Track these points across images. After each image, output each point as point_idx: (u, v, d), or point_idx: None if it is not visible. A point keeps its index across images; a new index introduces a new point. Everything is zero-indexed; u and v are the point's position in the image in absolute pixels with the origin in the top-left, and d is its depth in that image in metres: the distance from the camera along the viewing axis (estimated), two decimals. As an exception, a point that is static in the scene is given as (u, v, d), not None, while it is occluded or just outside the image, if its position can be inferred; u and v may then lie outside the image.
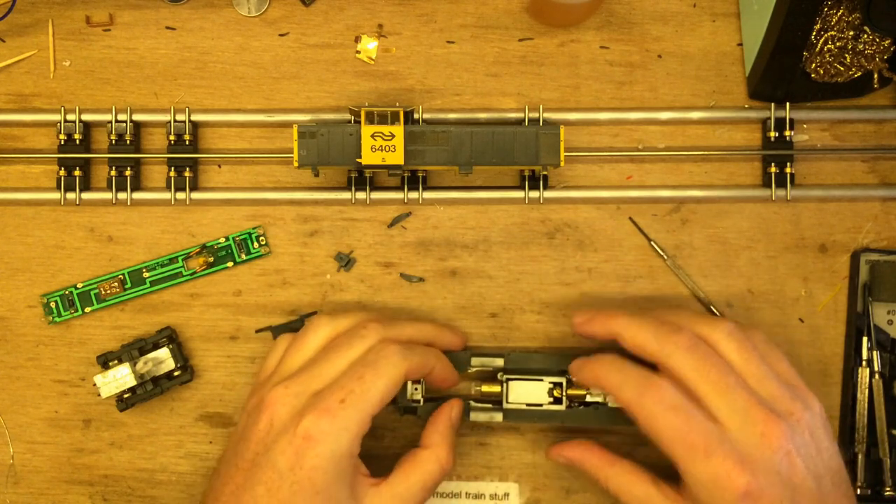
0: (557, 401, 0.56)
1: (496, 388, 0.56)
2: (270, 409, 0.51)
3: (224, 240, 0.60)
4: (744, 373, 0.51)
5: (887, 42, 0.56)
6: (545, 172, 0.59)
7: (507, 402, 0.56)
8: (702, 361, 0.51)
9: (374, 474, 0.52)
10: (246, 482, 0.50)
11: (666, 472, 0.52)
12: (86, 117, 0.59)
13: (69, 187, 0.59)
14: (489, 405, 0.57)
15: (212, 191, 0.60)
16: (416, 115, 0.59)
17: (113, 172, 0.59)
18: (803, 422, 0.50)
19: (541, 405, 0.56)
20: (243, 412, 0.53)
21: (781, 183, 0.59)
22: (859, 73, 0.57)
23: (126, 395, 0.57)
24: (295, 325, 0.57)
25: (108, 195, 0.59)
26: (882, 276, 0.58)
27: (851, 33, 0.56)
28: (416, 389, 0.56)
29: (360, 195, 0.59)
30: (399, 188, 0.59)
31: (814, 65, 0.57)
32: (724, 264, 0.60)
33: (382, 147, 0.55)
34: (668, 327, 0.52)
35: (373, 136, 0.55)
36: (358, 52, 0.61)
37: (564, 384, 0.56)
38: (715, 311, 0.59)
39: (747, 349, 0.52)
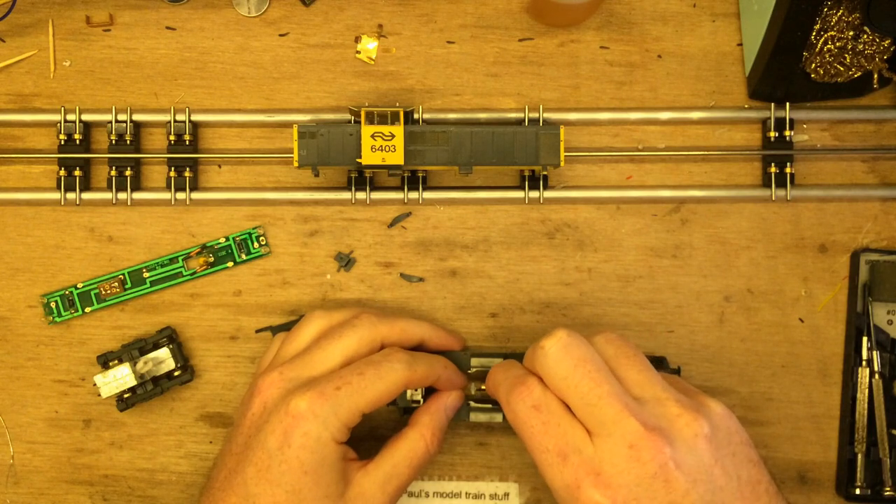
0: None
1: (496, 389, 0.56)
2: (263, 393, 0.51)
3: (224, 240, 0.60)
4: (624, 379, 0.48)
5: (887, 42, 0.56)
6: (545, 172, 0.59)
7: (507, 403, 0.56)
8: (572, 369, 0.47)
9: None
10: (237, 465, 0.50)
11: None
12: (86, 117, 0.59)
13: (69, 187, 0.59)
14: (489, 405, 0.57)
15: (212, 191, 0.60)
16: (416, 115, 0.59)
17: (113, 172, 0.59)
18: (693, 428, 0.46)
19: (541, 405, 0.56)
20: (240, 405, 0.54)
21: (781, 183, 0.59)
22: (859, 73, 0.57)
23: (126, 395, 0.57)
24: (294, 326, 0.57)
25: (108, 195, 0.59)
26: (882, 276, 0.58)
27: (851, 33, 0.56)
28: (416, 390, 0.56)
29: (360, 195, 0.59)
30: (399, 188, 0.59)
31: (814, 65, 0.57)
32: (724, 264, 0.60)
33: (382, 147, 0.55)
34: (544, 336, 0.49)
35: (373, 136, 0.55)
36: (358, 52, 0.61)
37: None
38: None
39: (629, 355, 0.49)
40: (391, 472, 0.52)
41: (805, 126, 0.60)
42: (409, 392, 0.56)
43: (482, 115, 0.59)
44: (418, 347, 0.56)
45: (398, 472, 0.52)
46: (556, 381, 0.48)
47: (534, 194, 0.59)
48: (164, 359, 0.58)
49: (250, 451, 0.50)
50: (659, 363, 0.57)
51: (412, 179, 0.59)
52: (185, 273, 0.59)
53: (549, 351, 0.48)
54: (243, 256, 0.60)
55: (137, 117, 0.59)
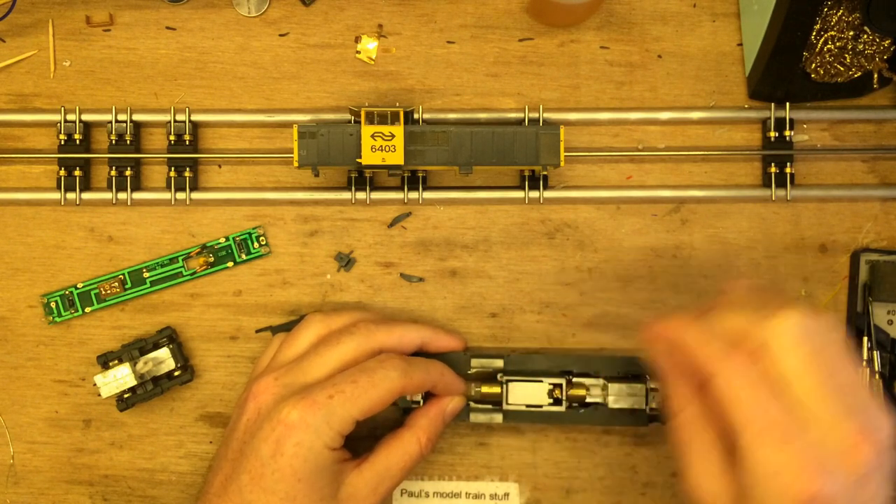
0: (557, 402, 0.56)
1: (496, 389, 0.56)
2: (258, 398, 0.51)
3: (224, 240, 0.60)
4: (843, 378, 0.45)
5: (887, 42, 0.56)
6: (545, 172, 0.59)
7: (507, 403, 0.56)
8: (812, 355, 0.45)
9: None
10: (233, 472, 0.51)
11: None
12: (86, 117, 0.59)
13: (69, 187, 0.59)
14: (489, 406, 0.57)
15: (212, 191, 0.60)
16: (416, 115, 0.59)
17: (113, 172, 0.59)
18: (882, 443, 0.45)
19: (540, 406, 0.56)
20: (235, 407, 0.54)
21: (781, 183, 0.59)
22: (859, 73, 0.57)
23: (126, 395, 0.57)
24: (294, 326, 0.57)
25: (108, 195, 0.59)
26: (882, 276, 0.58)
27: (851, 33, 0.56)
28: (416, 390, 0.56)
29: (360, 195, 0.59)
30: (399, 188, 0.59)
31: (814, 65, 0.57)
32: (724, 264, 0.60)
33: (382, 147, 0.55)
34: (771, 308, 0.46)
35: (373, 136, 0.55)
36: (358, 52, 0.61)
37: (564, 385, 0.56)
38: None
39: (846, 354, 0.46)
40: (384, 473, 0.52)
41: (805, 126, 0.60)
42: (409, 392, 0.56)
43: (482, 115, 0.59)
44: (419, 350, 0.56)
45: (391, 474, 0.53)
46: (787, 360, 0.45)
47: (534, 194, 0.59)
48: (164, 359, 0.58)
49: (244, 458, 0.50)
50: (659, 363, 0.57)
51: (412, 179, 0.59)
52: (185, 273, 0.59)
53: (792, 327, 0.45)
54: (243, 256, 0.60)
55: (137, 117, 0.59)
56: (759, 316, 0.46)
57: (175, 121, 0.59)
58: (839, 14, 0.56)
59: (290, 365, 0.53)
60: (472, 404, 0.57)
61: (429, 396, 0.56)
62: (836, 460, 0.43)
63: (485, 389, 0.56)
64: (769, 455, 0.43)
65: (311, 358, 0.52)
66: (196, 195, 0.59)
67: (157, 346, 0.58)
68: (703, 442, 0.47)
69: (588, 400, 0.56)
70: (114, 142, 0.59)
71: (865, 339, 0.58)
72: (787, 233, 0.60)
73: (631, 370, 0.57)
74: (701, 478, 0.47)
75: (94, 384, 0.57)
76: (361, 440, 0.53)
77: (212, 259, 0.59)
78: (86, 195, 0.59)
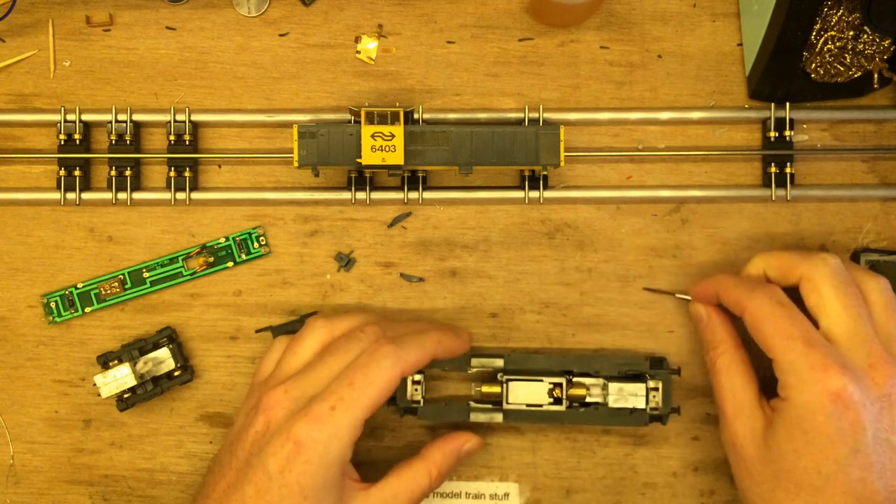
0: (557, 401, 0.56)
1: (496, 389, 0.56)
2: (268, 411, 0.51)
3: (224, 240, 0.60)
4: (883, 324, 0.51)
5: (887, 42, 0.56)
6: (545, 172, 0.59)
7: (507, 403, 0.56)
8: (843, 286, 0.51)
9: (370, 477, 0.53)
10: (237, 481, 0.50)
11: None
12: (86, 117, 0.59)
13: (69, 187, 0.59)
14: (489, 405, 0.57)
15: (212, 191, 0.60)
16: (416, 115, 0.59)
17: (113, 172, 0.59)
18: None
19: (541, 406, 0.56)
20: (240, 413, 0.54)
21: (781, 183, 0.59)
22: (859, 73, 0.57)
23: (126, 395, 0.57)
24: (295, 326, 0.57)
25: (108, 195, 0.59)
26: (882, 276, 0.58)
27: (851, 33, 0.56)
28: (416, 390, 0.56)
29: (360, 195, 0.59)
30: (399, 188, 0.59)
31: (814, 65, 0.57)
32: (724, 264, 0.60)
33: (382, 147, 0.55)
34: (808, 252, 0.53)
35: (373, 136, 0.55)
36: (358, 52, 0.61)
37: (564, 384, 0.56)
38: None
39: (886, 294, 0.52)
40: (390, 500, 0.52)
41: (805, 126, 0.60)
42: (409, 391, 0.56)
43: (482, 115, 0.59)
44: None
45: (397, 503, 0.52)
46: (825, 288, 0.51)
47: (534, 194, 0.59)
48: (164, 359, 0.58)
49: (251, 469, 0.50)
50: (659, 363, 0.57)
51: (412, 179, 0.59)
52: (185, 273, 0.59)
53: (831, 264, 0.52)
54: (243, 256, 0.60)
55: (137, 117, 0.59)
56: (801, 256, 0.53)
57: (175, 121, 0.59)
58: (839, 14, 0.56)
59: (298, 376, 0.52)
60: (473, 404, 0.57)
61: (430, 398, 0.56)
62: (860, 371, 0.48)
63: (485, 389, 0.56)
64: (797, 358, 0.49)
65: (319, 368, 0.52)
66: (196, 195, 0.59)
67: (157, 346, 0.58)
68: (735, 385, 0.53)
69: (588, 400, 0.56)
70: (114, 142, 0.59)
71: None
72: (788, 233, 0.60)
73: (631, 370, 0.57)
74: (733, 417, 0.53)
75: (94, 384, 0.57)
76: (361, 441, 0.53)
77: (212, 259, 0.59)
78: (86, 195, 0.59)
